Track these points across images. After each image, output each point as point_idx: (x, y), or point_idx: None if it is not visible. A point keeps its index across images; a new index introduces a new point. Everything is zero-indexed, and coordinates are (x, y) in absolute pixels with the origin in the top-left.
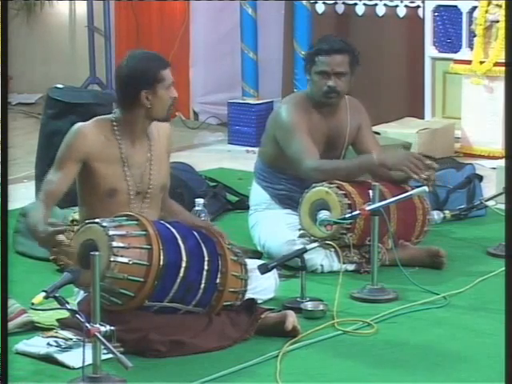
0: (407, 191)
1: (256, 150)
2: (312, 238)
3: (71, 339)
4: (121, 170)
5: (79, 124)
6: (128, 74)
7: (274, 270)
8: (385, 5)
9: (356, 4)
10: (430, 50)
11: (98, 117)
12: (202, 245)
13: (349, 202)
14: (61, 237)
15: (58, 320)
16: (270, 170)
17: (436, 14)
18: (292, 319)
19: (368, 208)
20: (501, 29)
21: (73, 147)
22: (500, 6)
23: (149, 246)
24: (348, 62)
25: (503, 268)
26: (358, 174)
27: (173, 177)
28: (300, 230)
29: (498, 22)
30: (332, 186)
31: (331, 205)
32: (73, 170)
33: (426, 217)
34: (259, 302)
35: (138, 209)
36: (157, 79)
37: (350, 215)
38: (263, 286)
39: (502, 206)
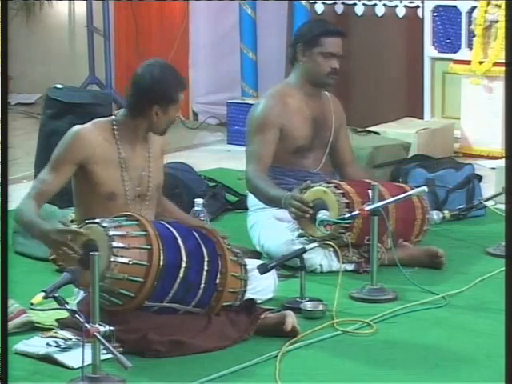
0: (406, 191)
1: None
2: (311, 237)
3: (71, 339)
4: (119, 174)
5: (78, 126)
6: (149, 84)
7: (273, 270)
8: (384, 5)
9: (355, 4)
10: (430, 50)
11: (98, 119)
12: (202, 245)
13: (347, 201)
14: (67, 237)
15: (57, 320)
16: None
17: (435, 14)
18: (291, 320)
19: (367, 208)
20: (500, 29)
21: (70, 149)
22: (499, 6)
23: (149, 247)
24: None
25: (503, 268)
26: (278, 207)
27: (172, 177)
28: (298, 229)
29: (497, 22)
30: (330, 185)
31: (329, 204)
32: (68, 172)
33: (425, 216)
34: (258, 302)
35: (137, 210)
36: (173, 100)
37: (349, 215)
38: (262, 286)
39: (502, 206)
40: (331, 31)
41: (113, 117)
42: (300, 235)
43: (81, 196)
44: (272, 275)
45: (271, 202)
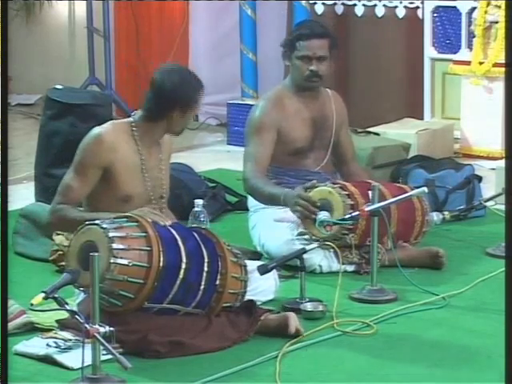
0: (406, 192)
1: None
2: (313, 237)
3: (70, 340)
4: (140, 176)
5: (99, 129)
6: (170, 89)
7: (274, 271)
8: (384, 5)
9: (355, 5)
10: (430, 51)
11: (116, 120)
12: (202, 246)
13: (352, 202)
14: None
15: (57, 321)
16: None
17: (435, 14)
18: (294, 322)
19: (367, 209)
20: (500, 29)
21: (95, 153)
22: (499, 7)
23: (149, 248)
24: (328, 46)
25: (503, 269)
26: (277, 204)
27: (172, 177)
28: (299, 228)
29: (497, 22)
30: (335, 186)
31: (334, 205)
32: (95, 176)
33: (424, 217)
34: (259, 303)
35: None
36: (193, 103)
37: (349, 216)
38: (263, 287)
39: (502, 207)
40: (305, 34)
41: (130, 118)
42: (300, 234)
43: (94, 197)
44: (273, 276)
45: (269, 200)
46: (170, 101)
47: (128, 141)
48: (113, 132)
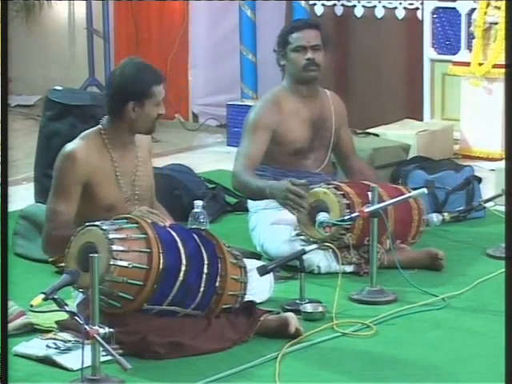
0: (403, 193)
1: None
2: (311, 239)
3: (70, 341)
4: (116, 183)
5: (70, 146)
6: (119, 82)
7: (271, 272)
8: (384, 7)
9: (355, 6)
10: (429, 52)
11: (86, 132)
12: (202, 248)
13: (347, 202)
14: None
15: (56, 322)
16: (262, 166)
17: (435, 15)
18: (294, 322)
19: (367, 210)
20: (499, 30)
21: (71, 172)
22: (499, 8)
23: (148, 250)
24: (321, 38)
25: (502, 270)
26: (263, 198)
27: (171, 178)
28: (297, 229)
29: (496, 23)
30: (330, 186)
31: (330, 205)
32: (76, 193)
33: (421, 217)
34: (257, 302)
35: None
36: (146, 94)
37: (349, 217)
38: (258, 288)
39: (501, 208)
40: (297, 26)
41: (99, 126)
42: (298, 234)
43: (78, 211)
44: (268, 276)
45: (256, 194)
46: (120, 92)
47: (100, 149)
48: (84, 146)
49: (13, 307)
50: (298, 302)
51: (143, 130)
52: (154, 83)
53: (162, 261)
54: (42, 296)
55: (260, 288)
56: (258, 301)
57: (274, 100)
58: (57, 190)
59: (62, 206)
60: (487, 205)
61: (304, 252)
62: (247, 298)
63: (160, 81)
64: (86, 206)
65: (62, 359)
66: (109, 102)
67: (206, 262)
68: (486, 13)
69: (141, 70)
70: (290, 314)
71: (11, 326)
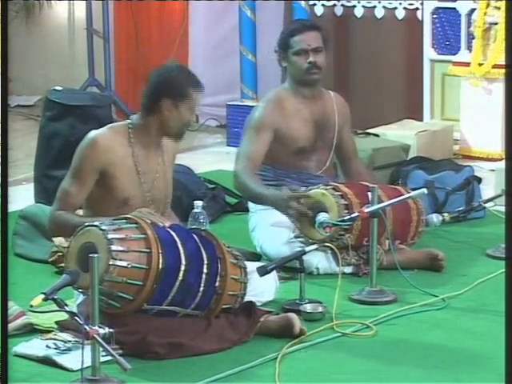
0: (401, 193)
1: None
2: (310, 240)
3: (70, 341)
4: (135, 179)
5: (95, 133)
6: (159, 77)
7: (274, 272)
8: (384, 7)
9: (355, 6)
10: (429, 52)
11: (115, 123)
12: (202, 248)
13: (345, 202)
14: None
15: (56, 322)
16: (264, 167)
17: (435, 16)
18: (298, 323)
19: (367, 210)
20: (499, 31)
21: (90, 158)
22: (498, 8)
23: (148, 250)
24: (321, 39)
25: (502, 270)
26: (262, 204)
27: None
28: (295, 231)
29: (496, 24)
30: (328, 187)
31: (328, 206)
32: (91, 180)
33: (420, 217)
34: (259, 303)
35: None
36: (183, 94)
37: (348, 217)
38: (263, 288)
39: (501, 208)
40: (297, 29)
41: (128, 121)
42: (296, 237)
43: (92, 200)
44: (272, 277)
45: (256, 199)
46: (157, 89)
47: (123, 144)
48: (108, 135)
49: (13, 307)
50: (297, 302)
51: (172, 133)
52: (192, 86)
53: (161, 261)
54: (42, 296)
55: (264, 288)
56: (264, 300)
57: (276, 100)
58: (73, 172)
59: (74, 188)
60: (487, 205)
61: (304, 252)
62: (252, 298)
63: (199, 87)
64: (102, 195)
65: (61, 359)
66: (144, 96)
67: (205, 261)
68: (485, 13)
69: (183, 71)
70: (292, 315)
71: (11, 326)
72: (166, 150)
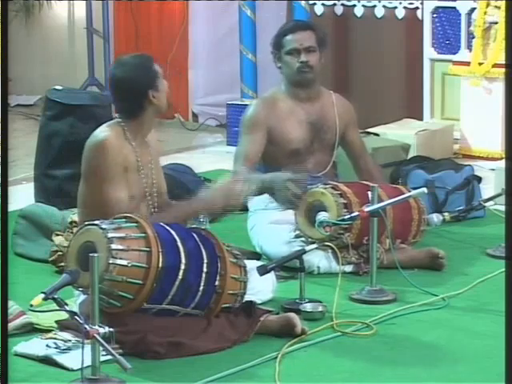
0: (402, 192)
1: None
2: (310, 239)
3: (70, 341)
4: (138, 173)
5: (101, 135)
6: (130, 79)
7: (272, 271)
8: (383, 6)
9: (355, 5)
10: (429, 52)
11: (107, 123)
12: (202, 247)
13: (344, 201)
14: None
15: (56, 322)
16: (262, 167)
17: (435, 15)
18: (299, 323)
19: (367, 209)
20: (499, 30)
21: (112, 159)
22: (498, 8)
23: (148, 249)
24: (315, 39)
25: (502, 269)
26: (260, 191)
27: (171, 178)
28: (295, 230)
29: (496, 23)
30: (327, 186)
31: (327, 205)
32: (123, 179)
33: (421, 216)
34: (258, 303)
35: (143, 212)
36: (156, 75)
37: (348, 216)
38: (261, 287)
39: (501, 207)
40: (290, 28)
41: (118, 119)
42: (296, 236)
43: (91, 199)
44: (271, 276)
45: (257, 189)
46: (136, 86)
47: (123, 140)
48: (114, 135)
49: (13, 307)
50: (297, 301)
51: (164, 109)
52: (153, 64)
53: (161, 260)
54: (42, 296)
55: (263, 288)
56: (262, 299)
57: (269, 99)
58: (107, 178)
59: (119, 192)
60: (487, 204)
61: (304, 251)
62: (250, 297)
63: (153, 59)
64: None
65: (61, 359)
66: (126, 102)
67: (205, 260)
68: (485, 12)
69: (138, 60)
70: (293, 315)
71: (11, 325)
72: (151, 145)
